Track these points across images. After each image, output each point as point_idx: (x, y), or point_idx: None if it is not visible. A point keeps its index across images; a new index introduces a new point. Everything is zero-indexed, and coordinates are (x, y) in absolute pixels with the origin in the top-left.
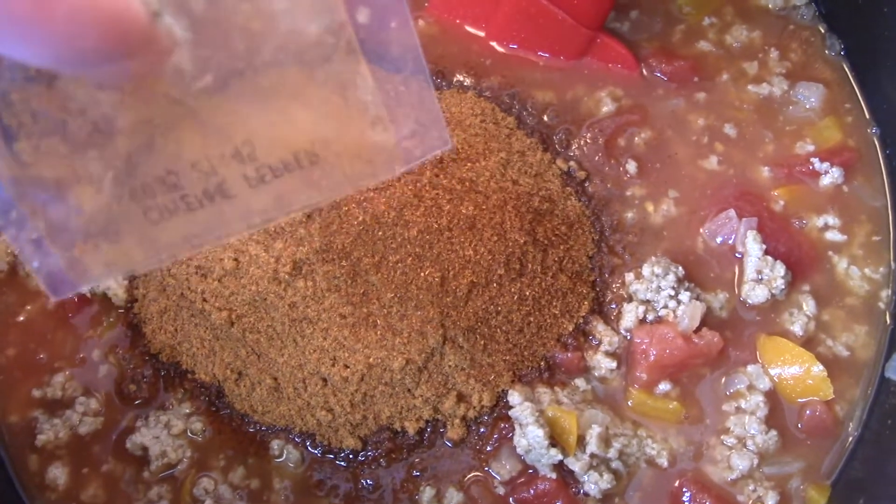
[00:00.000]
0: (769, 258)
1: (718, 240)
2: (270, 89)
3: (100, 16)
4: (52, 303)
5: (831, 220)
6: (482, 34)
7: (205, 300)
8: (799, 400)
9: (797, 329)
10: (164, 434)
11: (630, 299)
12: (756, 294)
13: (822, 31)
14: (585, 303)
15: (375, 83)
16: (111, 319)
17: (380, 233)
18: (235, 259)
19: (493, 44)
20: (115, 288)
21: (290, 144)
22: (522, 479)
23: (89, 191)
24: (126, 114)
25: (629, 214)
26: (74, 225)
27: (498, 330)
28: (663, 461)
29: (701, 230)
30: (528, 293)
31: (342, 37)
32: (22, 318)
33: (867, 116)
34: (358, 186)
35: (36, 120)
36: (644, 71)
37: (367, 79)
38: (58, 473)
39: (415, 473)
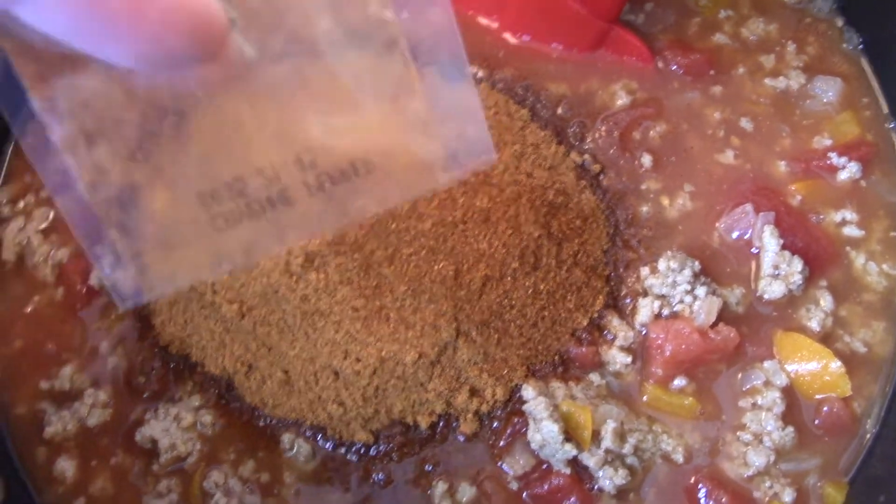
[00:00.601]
0: (786, 253)
1: (735, 234)
2: (329, 85)
3: (189, 17)
4: (60, 294)
5: (849, 215)
6: (495, 25)
7: (215, 292)
8: (816, 396)
9: (814, 325)
10: (173, 427)
11: (645, 294)
12: (773, 289)
13: (840, 24)
14: (600, 297)
15: (425, 91)
16: (120, 311)
17: (393, 225)
18: None
19: (507, 35)
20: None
21: (347, 152)
22: (536, 475)
23: (162, 196)
24: (200, 117)
25: (644, 208)
26: (146, 232)
27: (512, 324)
28: (679, 457)
29: (717, 225)
30: (542, 287)
31: (392, 31)
32: (30, 310)
33: (885, 111)
34: (410, 196)
35: (116, 125)
36: (659, 64)
37: (417, 85)
38: (66, 466)
39: (427, 468)
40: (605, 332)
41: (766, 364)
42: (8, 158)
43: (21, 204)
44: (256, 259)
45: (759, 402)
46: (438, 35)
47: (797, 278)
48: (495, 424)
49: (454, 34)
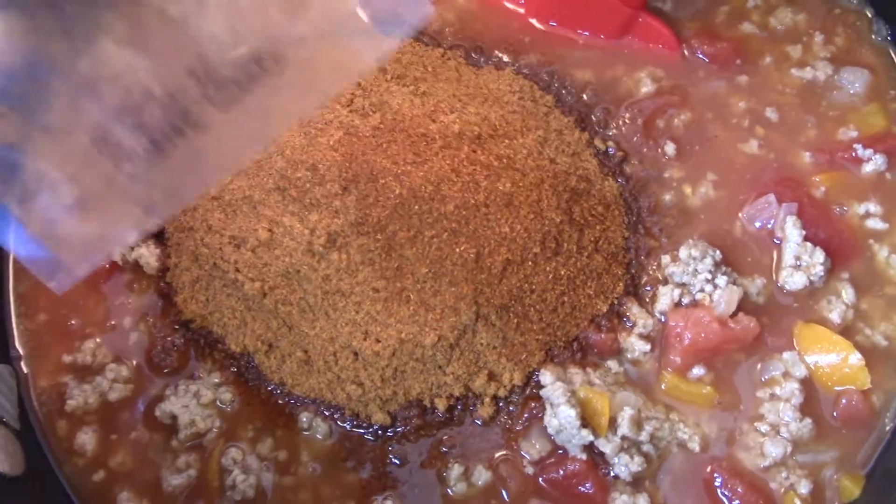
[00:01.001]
0: (808, 244)
1: (757, 224)
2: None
3: None
4: None
5: (873, 207)
6: (522, 11)
7: (238, 270)
8: (835, 388)
9: (835, 317)
10: (193, 403)
11: (666, 282)
12: (794, 280)
13: (869, 15)
14: (620, 284)
15: None
16: (143, 287)
17: (416, 207)
18: (269, 230)
19: (533, 21)
20: (147, 256)
21: (249, 50)
22: (552, 460)
23: (49, 148)
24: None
25: (667, 196)
26: (51, 196)
27: (531, 309)
28: (695, 446)
29: (739, 214)
30: (563, 272)
31: None
32: None
33: None
34: (340, 84)
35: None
36: (685, 52)
37: None
38: (86, 439)
39: (443, 450)
40: (625, 319)
41: (786, 355)
42: None
43: None
44: (187, 202)
45: (778, 392)
46: None
47: (819, 270)
48: (512, 409)
49: None
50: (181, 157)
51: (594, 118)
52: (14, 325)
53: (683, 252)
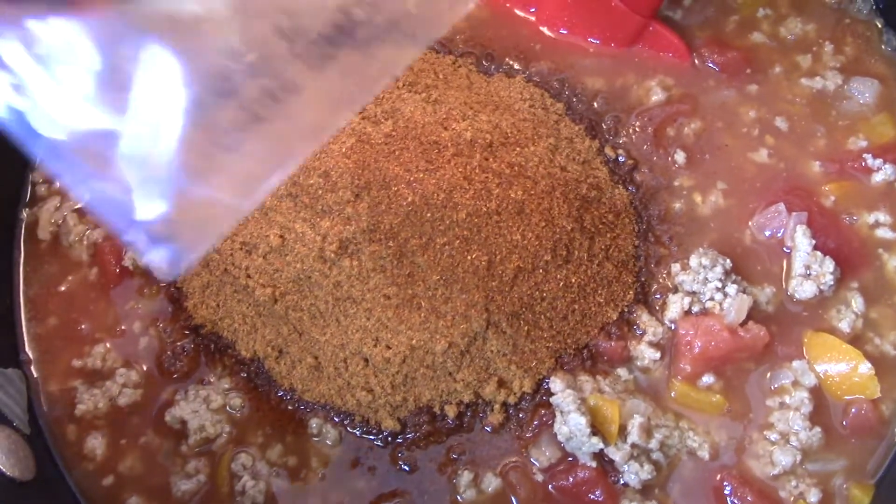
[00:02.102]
0: (818, 253)
1: (767, 233)
2: None
3: None
4: (94, 274)
5: (882, 217)
6: (532, 18)
7: (249, 276)
8: (845, 398)
9: (844, 326)
10: (202, 408)
11: (676, 290)
12: (804, 289)
13: (879, 25)
14: (630, 292)
15: None
16: (153, 292)
17: (428, 214)
18: (281, 236)
19: (544, 29)
20: (158, 261)
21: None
22: (562, 467)
23: (136, 125)
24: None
25: (677, 205)
26: (150, 177)
27: (542, 316)
28: (705, 454)
29: (749, 223)
30: (573, 280)
31: None
32: (64, 289)
33: None
34: (438, 32)
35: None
36: (696, 61)
37: None
38: (96, 444)
39: (453, 457)
40: (635, 327)
41: (795, 364)
42: None
43: (57, 184)
44: (283, 177)
45: (787, 401)
46: None
47: (828, 279)
48: (522, 416)
49: None
50: (278, 125)
51: (605, 126)
52: (24, 330)
53: (693, 260)
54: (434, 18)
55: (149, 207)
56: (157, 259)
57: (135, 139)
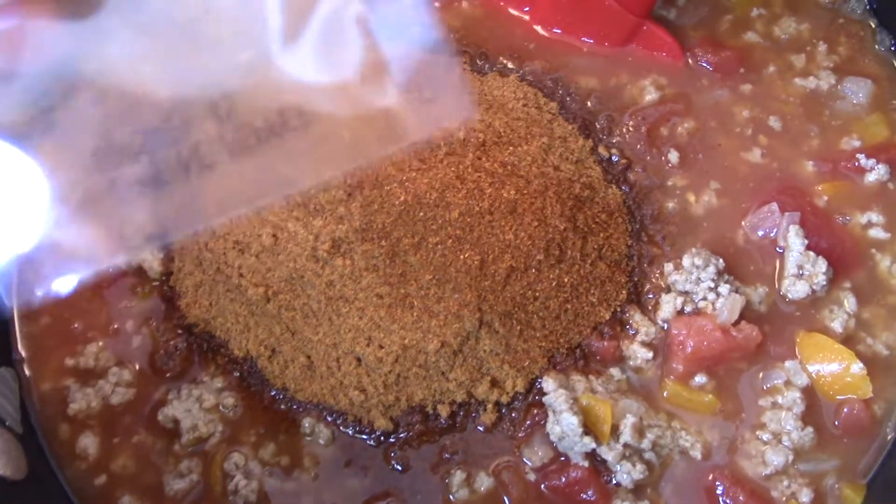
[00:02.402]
0: (811, 253)
1: (760, 233)
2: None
3: None
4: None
5: (875, 217)
6: (526, 18)
7: (241, 275)
8: (837, 398)
9: (837, 326)
10: (195, 408)
11: (668, 290)
12: (796, 289)
13: (873, 25)
14: (623, 292)
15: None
16: (146, 291)
17: (421, 213)
18: (274, 235)
19: (537, 28)
20: (151, 260)
21: (275, 98)
22: (554, 467)
23: (53, 148)
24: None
25: (670, 204)
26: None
27: (535, 316)
28: (697, 454)
29: (742, 223)
30: (566, 280)
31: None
32: None
33: None
34: (364, 156)
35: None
36: (689, 60)
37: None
38: (88, 443)
39: (445, 456)
40: (627, 326)
41: (788, 364)
42: None
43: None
44: (172, 240)
45: (780, 401)
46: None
47: (821, 279)
48: (514, 415)
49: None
50: (180, 194)
51: (598, 125)
52: (17, 328)
53: (686, 260)
54: (363, 150)
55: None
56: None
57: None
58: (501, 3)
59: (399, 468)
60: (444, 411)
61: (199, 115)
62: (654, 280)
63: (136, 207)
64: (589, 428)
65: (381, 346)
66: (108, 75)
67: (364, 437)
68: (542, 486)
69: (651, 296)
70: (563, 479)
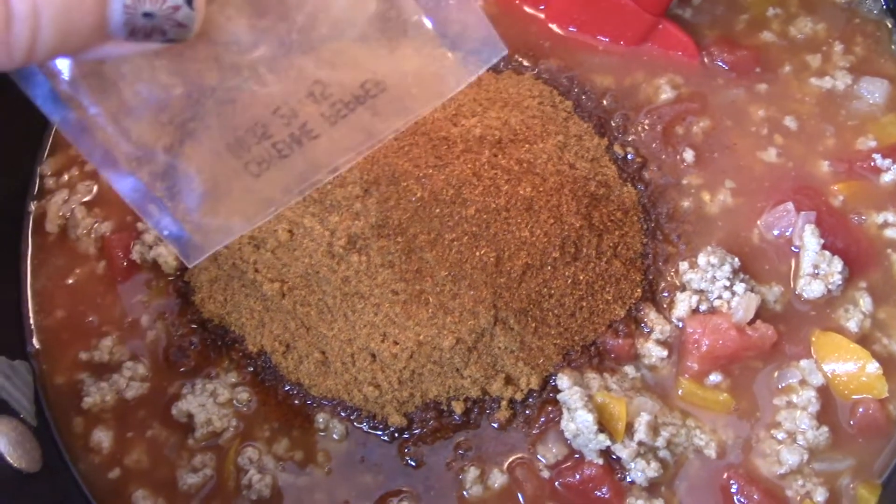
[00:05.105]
0: (826, 253)
1: (775, 232)
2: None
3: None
4: (101, 267)
5: (891, 217)
6: (542, 16)
7: (257, 271)
8: (852, 397)
9: (852, 326)
10: (209, 402)
11: (683, 288)
12: (812, 289)
13: (889, 25)
14: (638, 290)
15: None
16: (161, 286)
17: (437, 210)
18: (290, 231)
19: (553, 26)
20: (166, 255)
21: (356, 77)
22: (568, 464)
23: (195, 154)
24: (185, 80)
25: (685, 203)
26: (190, 190)
27: (550, 313)
28: (711, 452)
29: (758, 222)
30: (581, 277)
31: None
32: (71, 281)
33: None
34: (428, 106)
35: (136, 94)
36: (705, 59)
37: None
38: (102, 437)
39: (459, 453)
40: (642, 324)
41: (803, 363)
42: (53, 131)
43: (65, 177)
44: (297, 195)
45: (795, 400)
46: None
47: (837, 278)
48: (529, 412)
49: None
50: (295, 161)
51: (613, 124)
52: (31, 322)
53: (702, 259)
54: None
55: (173, 192)
56: (181, 240)
57: (182, 154)
58: (517, 2)
59: (413, 464)
60: (458, 408)
61: (301, 100)
62: (669, 278)
63: (266, 181)
64: (603, 425)
65: (395, 343)
66: (226, 80)
67: (378, 432)
68: (556, 483)
69: (666, 294)
70: (578, 477)
